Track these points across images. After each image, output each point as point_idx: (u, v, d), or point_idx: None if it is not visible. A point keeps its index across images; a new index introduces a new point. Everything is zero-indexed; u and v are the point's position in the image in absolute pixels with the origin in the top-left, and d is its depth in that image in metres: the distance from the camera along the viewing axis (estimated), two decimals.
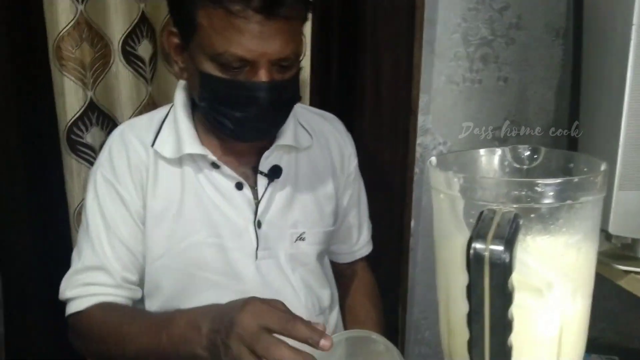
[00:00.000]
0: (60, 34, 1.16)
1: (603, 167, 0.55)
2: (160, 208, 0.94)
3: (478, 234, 0.46)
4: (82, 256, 0.93)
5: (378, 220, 1.23)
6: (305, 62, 1.25)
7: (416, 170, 1.46)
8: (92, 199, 0.94)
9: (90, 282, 0.92)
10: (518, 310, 0.48)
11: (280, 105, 0.88)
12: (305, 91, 1.28)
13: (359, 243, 1.16)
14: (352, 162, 1.10)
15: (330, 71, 1.34)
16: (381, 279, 1.24)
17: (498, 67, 1.45)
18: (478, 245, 0.45)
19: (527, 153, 0.64)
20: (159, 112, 1.01)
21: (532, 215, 0.50)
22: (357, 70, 1.36)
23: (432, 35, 1.40)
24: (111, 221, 0.92)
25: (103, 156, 0.96)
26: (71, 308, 0.92)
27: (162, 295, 0.96)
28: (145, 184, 0.93)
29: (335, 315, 1.10)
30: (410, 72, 1.37)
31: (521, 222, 0.48)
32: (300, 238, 1.00)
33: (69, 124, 1.20)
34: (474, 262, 0.45)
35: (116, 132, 0.99)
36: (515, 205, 0.49)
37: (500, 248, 0.44)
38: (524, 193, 0.49)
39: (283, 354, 0.65)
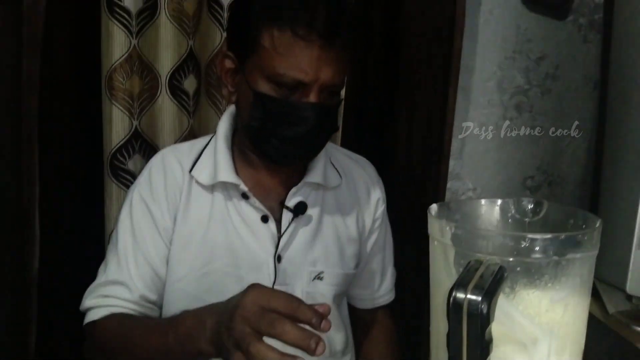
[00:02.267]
0: (113, 65, 1.25)
1: (597, 224, 0.56)
2: (188, 232, 0.98)
3: (460, 283, 0.48)
4: (107, 270, 0.97)
5: (402, 263, 1.24)
6: (340, 106, 1.30)
7: None
8: (125, 216, 0.99)
9: (109, 294, 0.96)
10: None
11: (324, 128, 0.94)
12: (337, 134, 1.32)
13: (381, 290, 1.16)
14: (380, 208, 1.12)
15: (364, 111, 1.38)
16: (402, 324, 1.24)
17: (532, 116, 1.45)
18: (458, 294, 0.47)
19: (531, 206, 0.65)
20: (200, 141, 1.07)
21: (518, 269, 0.51)
22: (392, 112, 1.39)
23: (467, 82, 1.42)
24: (140, 239, 0.97)
25: (142, 177, 1.02)
26: (87, 318, 0.96)
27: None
28: (178, 208, 0.98)
29: (348, 358, 1.09)
30: (444, 116, 1.39)
31: (506, 274, 0.50)
32: (319, 277, 1.01)
33: (113, 150, 1.27)
34: (452, 311, 0.47)
35: (158, 155, 1.05)
36: (502, 258, 0.51)
37: (478, 298, 0.46)
38: (511, 246, 0.51)
39: (288, 330, 0.63)
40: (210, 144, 1.04)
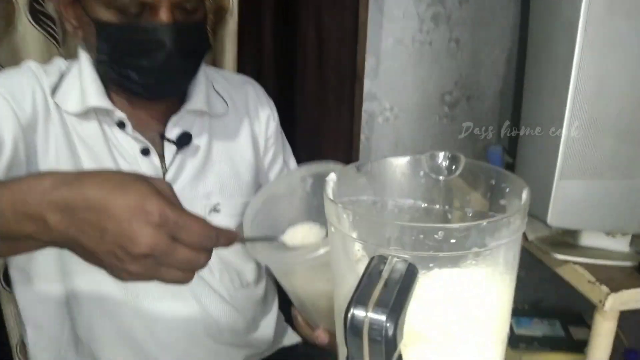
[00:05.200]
0: None
1: (525, 195, 0.47)
2: (54, 164, 0.83)
3: (359, 296, 0.38)
4: None
5: None
6: (232, 21, 1.13)
7: (362, 137, 1.38)
8: None
9: None
10: None
11: (188, 52, 0.82)
12: (229, 56, 1.17)
13: None
14: (271, 126, 1.03)
15: (263, 32, 1.22)
16: None
17: (449, 28, 1.34)
18: (357, 312, 0.37)
19: (446, 163, 0.55)
20: (62, 64, 0.91)
21: (431, 265, 0.42)
22: (297, 31, 1.24)
23: None
24: None
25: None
26: None
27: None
28: (37, 126, 0.82)
29: (262, 287, 1.05)
30: (356, 33, 1.25)
31: (417, 273, 0.40)
32: (215, 210, 0.93)
33: None
34: (350, 334, 0.37)
35: (24, 64, 0.89)
36: (411, 253, 0.41)
37: (382, 318, 0.37)
38: (421, 238, 0.41)
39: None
40: (73, 67, 0.89)
